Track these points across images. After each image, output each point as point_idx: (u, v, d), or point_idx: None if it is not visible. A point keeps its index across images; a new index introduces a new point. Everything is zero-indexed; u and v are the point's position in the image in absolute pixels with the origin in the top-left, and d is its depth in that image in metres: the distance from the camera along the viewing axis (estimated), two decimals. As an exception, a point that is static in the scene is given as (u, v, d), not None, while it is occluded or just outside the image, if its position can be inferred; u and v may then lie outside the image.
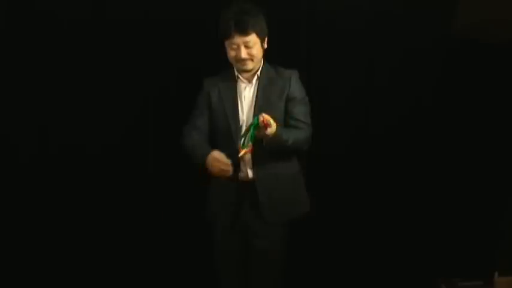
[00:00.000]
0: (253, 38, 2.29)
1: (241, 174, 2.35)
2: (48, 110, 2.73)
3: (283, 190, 2.41)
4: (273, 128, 2.19)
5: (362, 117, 2.87)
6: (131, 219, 2.84)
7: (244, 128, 2.27)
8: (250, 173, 2.36)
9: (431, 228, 2.92)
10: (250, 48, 2.30)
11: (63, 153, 2.77)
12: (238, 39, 2.28)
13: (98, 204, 2.81)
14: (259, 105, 2.35)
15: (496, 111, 2.88)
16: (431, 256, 2.93)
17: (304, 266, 2.90)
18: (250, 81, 2.40)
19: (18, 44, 2.67)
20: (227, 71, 2.42)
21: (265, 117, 2.15)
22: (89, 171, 2.79)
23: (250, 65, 2.34)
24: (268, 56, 2.41)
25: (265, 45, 2.38)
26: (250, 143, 2.17)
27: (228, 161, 2.22)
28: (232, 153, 2.23)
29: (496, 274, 2.54)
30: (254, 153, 2.25)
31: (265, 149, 2.27)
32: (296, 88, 2.40)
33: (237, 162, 2.29)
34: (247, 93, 2.39)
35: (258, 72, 2.40)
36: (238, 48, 2.30)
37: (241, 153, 2.18)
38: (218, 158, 2.23)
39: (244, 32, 2.26)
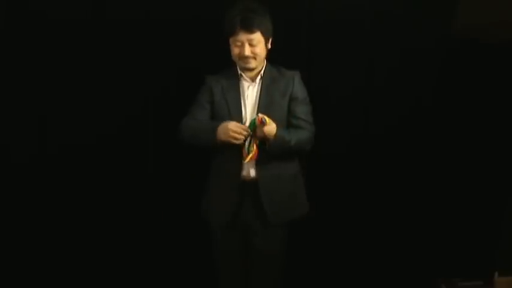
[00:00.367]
0: (257, 36, 2.30)
1: (243, 173, 2.35)
2: (48, 110, 2.73)
3: (284, 190, 2.41)
4: (271, 126, 2.21)
5: (362, 117, 2.87)
6: (131, 219, 2.84)
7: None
8: (252, 172, 2.35)
9: (431, 228, 2.92)
10: (254, 46, 2.31)
11: (62, 153, 2.76)
12: (243, 37, 2.29)
13: (98, 204, 2.81)
14: (263, 105, 2.36)
15: (496, 111, 2.88)
16: (431, 256, 2.93)
17: (304, 266, 2.90)
18: (253, 80, 2.41)
19: (18, 44, 2.67)
20: (230, 70, 2.43)
21: (260, 115, 2.19)
22: (89, 171, 2.79)
23: (253, 64, 2.35)
24: (268, 55, 2.42)
25: (269, 46, 2.39)
26: (254, 148, 2.21)
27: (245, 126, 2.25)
28: (234, 151, 2.26)
29: (496, 274, 2.54)
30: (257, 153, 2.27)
31: (270, 149, 2.28)
32: (299, 88, 2.42)
33: (240, 161, 2.31)
34: (250, 92, 2.40)
35: (262, 72, 2.41)
36: (242, 46, 2.31)
37: (247, 159, 2.23)
38: (234, 125, 2.24)
39: (249, 30, 2.27)
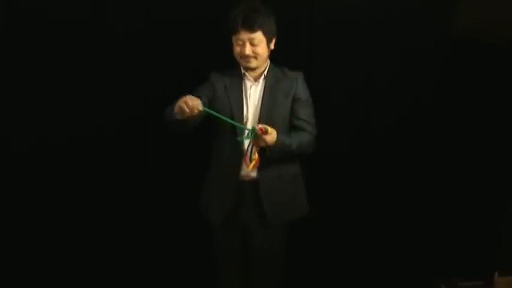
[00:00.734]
0: (259, 36, 2.30)
1: (243, 173, 2.36)
2: (48, 110, 2.73)
3: (285, 191, 2.42)
4: (272, 135, 2.20)
5: (362, 117, 2.87)
6: (131, 219, 2.84)
7: (246, 130, 2.29)
8: (253, 173, 2.35)
9: (431, 229, 2.93)
10: (255, 45, 2.31)
11: (62, 152, 2.76)
12: (244, 35, 2.29)
13: (98, 203, 2.81)
14: (266, 105, 2.36)
15: (496, 111, 2.88)
16: (431, 256, 2.93)
17: (304, 266, 2.90)
18: (256, 80, 2.41)
19: (18, 44, 2.67)
20: (234, 69, 2.43)
21: (260, 126, 2.18)
22: (89, 170, 2.79)
23: (253, 63, 2.35)
24: (271, 56, 2.43)
25: (272, 46, 2.39)
26: (256, 156, 2.22)
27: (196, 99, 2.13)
28: (235, 149, 2.28)
29: (496, 274, 2.54)
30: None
31: (272, 155, 2.28)
32: (302, 89, 2.42)
33: (239, 161, 2.31)
34: (253, 92, 2.40)
35: (265, 72, 2.41)
36: (243, 45, 2.31)
37: (250, 167, 2.23)
38: (187, 97, 2.12)
39: (251, 29, 2.28)
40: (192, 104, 2.10)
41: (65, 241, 2.82)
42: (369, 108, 2.87)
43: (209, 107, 2.23)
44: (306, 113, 2.42)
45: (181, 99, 2.12)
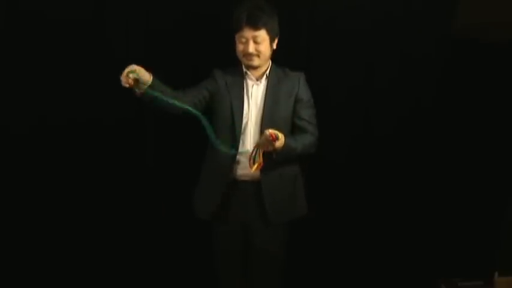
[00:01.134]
0: (262, 34, 2.30)
1: (245, 172, 2.35)
2: (48, 107, 2.72)
3: (285, 190, 2.42)
4: (281, 140, 2.21)
5: (362, 118, 2.87)
6: (130, 217, 2.84)
7: (247, 132, 2.32)
8: (256, 172, 2.34)
9: (431, 229, 2.93)
10: (259, 44, 2.31)
11: (62, 150, 2.76)
12: (248, 33, 2.29)
13: (97, 200, 2.81)
14: (268, 105, 2.36)
15: (496, 111, 2.88)
16: (431, 256, 2.94)
17: (304, 266, 2.91)
18: (258, 80, 2.41)
19: (17, 44, 2.67)
20: (236, 68, 2.43)
21: (271, 132, 2.18)
22: (89, 166, 2.79)
23: (256, 61, 2.35)
24: (273, 56, 2.43)
25: (275, 46, 2.39)
26: (261, 158, 2.23)
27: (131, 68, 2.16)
28: (235, 146, 2.30)
29: (496, 274, 2.54)
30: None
31: (277, 158, 2.29)
32: (304, 90, 2.43)
33: (231, 160, 2.32)
34: (254, 91, 2.40)
35: (267, 72, 2.41)
36: (246, 42, 2.31)
37: (253, 168, 2.24)
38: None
39: (255, 26, 2.28)
40: (126, 72, 2.13)
41: (62, 237, 2.82)
42: (369, 109, 2.87)
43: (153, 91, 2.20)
44: (308, 113, 2.42)
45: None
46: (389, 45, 2.81)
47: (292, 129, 2.42)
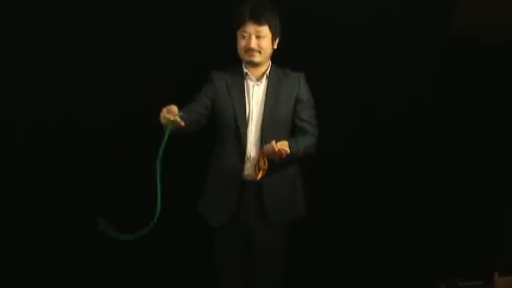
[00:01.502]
0: (265, 29, 2.32)
1: (248, 172, 2.36)
2: (48, 107, 2.72)
3: (285, 190, 2.43)
4: (287, 150, 2.21)
5: (362, 117, 2.88)
6: (131, 217, 2.83)
7: (248, 132, 2.33)
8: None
9: (431, 229, 2.93)
10: (261, 39, 2.32)
11: (62, 152, 2.76)
12: (251, 28, 2.30)
13: (97, 201, 2.80)
14: (269, 105, 2.37)
15: (495, 111, 2.88)
16: (431, 256, 2.93)
17: (304, 266, 2.90)
18: (259, 80, 2.41)
19: (17, 44, 2.67)
20: (236, 68, 2.43)
21: (280, 148, 2.18)
22: (88, 170, 2.79)
23: (257, 57, 2.35)
24: (274, 57, 2.44)
25: (276, 46, 2.40)
26: (265, 165, 2.25)
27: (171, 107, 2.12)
28: (238, 152, 2.31)
29: (496, 274, 2.54)
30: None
31: (280, 162, 2.30)
32: (304, 90, 2.44)
33: (241, 165, 2.33)
34: (255, 92, 2.40)
35: (267, 72, 2.41)
36: (249, 38, 2.32)
37: (259, 176, 2.27)
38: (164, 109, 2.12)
39: (258, 21, 2.30)
40: (167, 113, 2.10)
41: (62, 240, 2.81)
42: (368, 108, 2.87)
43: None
44: (308, 114, 2.43)
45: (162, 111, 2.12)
46: (389, 45, 2.82)
47: (292, 130, 2.42)
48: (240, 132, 2.34)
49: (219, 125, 2.40)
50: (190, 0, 2.73)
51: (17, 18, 2.65)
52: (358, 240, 2.93)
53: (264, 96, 2.39)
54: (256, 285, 2.48)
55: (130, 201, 2.82)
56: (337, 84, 2.83)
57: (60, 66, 2.71)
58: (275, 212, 2.38)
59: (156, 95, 2.75)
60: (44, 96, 2.71)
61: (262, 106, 2.37)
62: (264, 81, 2.41)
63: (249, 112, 2.37)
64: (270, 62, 2.44)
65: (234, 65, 2.44)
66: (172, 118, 2.09)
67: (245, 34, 2.32)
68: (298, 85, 2.42)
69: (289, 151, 2.20)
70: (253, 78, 2.41)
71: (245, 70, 2.41)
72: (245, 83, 2.41)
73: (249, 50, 2.33)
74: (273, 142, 2.20)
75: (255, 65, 2.38)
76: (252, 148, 2.36)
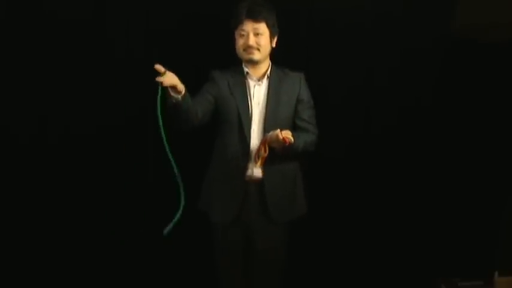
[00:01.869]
0: (262, 26, 2.32)
1: (249, 172, 2.36)
2: (48, 107, 2.73)
3: (286, 189, 2.43)
4: (291, 139, 2.22)
5: (361, 117, 2.88)
6: (131, 217, 2.84)
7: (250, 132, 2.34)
8: (258, 173, 2.35)
9: (431, 228, 2.93)
10: (259, 37, 2.32)
11: (62, 154, 2.76)
12: (249, 26, 2.31)
13: (97, 202, 2.81)
14: (271, 105, 2.37)
15: (495, 111, 2.88)
16: (431, 256, 2.93)
17: (304, 266, 2.90)
18: (260, 80, 2.41)
19: (18, 44, 2.67)
20: (236, 68, 2.44)
21: (285, 136, 2.19)
22: (88, 171, 2.79)
23: (256, 55, 2.35)
24: (272, 56, 2.44)
25: (274, 44, 2.40)
26: (265, 153, 2.27)
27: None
28: (242, 147, 2.31)
29: (496, 274, 2.54)
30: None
31: (278, 154, 2.31)
32: (305, 90, 2.45)
33: (246, 159, 2.33)
34: (256, 92, 2.40)
35: (268, 72, 2.42)
36: (247, 36, 2.32)
37: (259, 163, 2.28)
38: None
39: (255, 19, 2.30)
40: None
41: (63, 238, 2.81)
42: (368, 108, 2.88)
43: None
44: (308, 114, 2.44)
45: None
46: (389, 45, 2.82)
47: (294, 129, 2.42)
48: (244, 132, 2.34)
49: (222, 119, 2.40)
50: (190, 0, 2.74)
51: (17, 18, 2.66)
52: (358, 240, 2.93)
53: (266, 97, 2.39)
54: (257, 284, 2.48)
55: (130, 201, 2.83)
56: (337, 84, 2.83)
57: (60, 66, 2.71)
58: (277, 210, 2.38)
59: (156, 95, 2.76)
60: (44, 96, 2.72)
61: (264, 106, 2.38)
62: (265, 81, 2.42)
63: (251, 112, 2.37)
64: (269, 62, 2.44)
65: (234, 65, 2.44)
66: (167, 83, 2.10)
67: (243, 32, 2.33)
68: (299, 85, 2.43)
69: (292, 140, 2.20)
70: (254, 78, 2.41)
71: (245, 69, 2.41)
72: (246, 83, 2.41)
73: (247, 47, 2.33)
74: (278, 130, 2.21)
75: (255, 63, 2.38)
76: (254, 147, 2.36)
